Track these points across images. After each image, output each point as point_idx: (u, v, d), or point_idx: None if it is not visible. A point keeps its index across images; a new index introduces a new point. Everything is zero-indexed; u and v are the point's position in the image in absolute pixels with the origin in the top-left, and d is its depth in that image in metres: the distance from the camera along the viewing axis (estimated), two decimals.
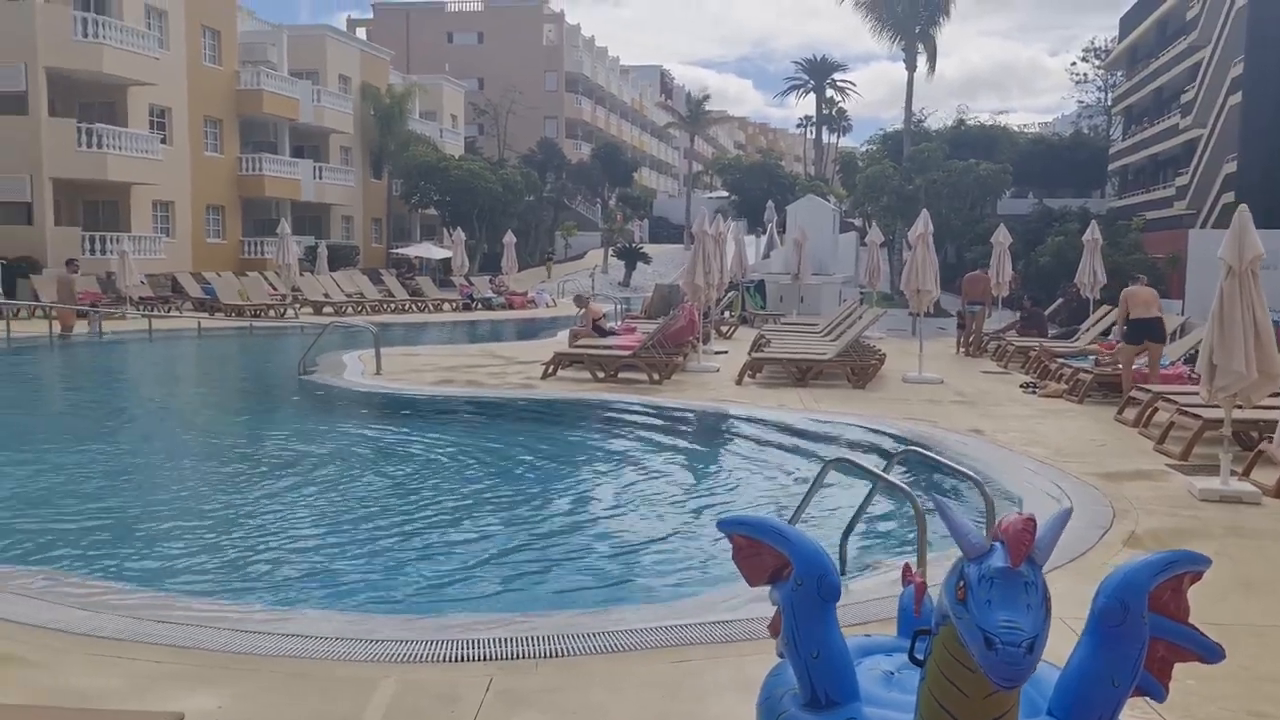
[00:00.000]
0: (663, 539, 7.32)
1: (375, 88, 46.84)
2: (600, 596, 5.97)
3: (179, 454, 10.61)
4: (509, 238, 38.04)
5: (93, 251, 30.18)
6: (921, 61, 42.26)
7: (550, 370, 15.08)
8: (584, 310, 18.75)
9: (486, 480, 9.22)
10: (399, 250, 46.96)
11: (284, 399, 14.63)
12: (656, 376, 14.49)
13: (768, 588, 3.17)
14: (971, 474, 5.71)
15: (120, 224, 32.87)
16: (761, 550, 3.02)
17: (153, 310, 25.88)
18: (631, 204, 63.98)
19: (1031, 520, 2.22)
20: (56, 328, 21.29)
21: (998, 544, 2.24)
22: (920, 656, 2.60)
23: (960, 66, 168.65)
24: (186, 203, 35.93)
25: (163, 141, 34.04)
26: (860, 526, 6.67)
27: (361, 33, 63.98)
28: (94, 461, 9.96)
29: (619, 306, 26.94)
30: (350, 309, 30.38)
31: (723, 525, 3.12)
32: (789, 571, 2.96)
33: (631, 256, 50.59)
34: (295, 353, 17.60)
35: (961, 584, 2.24)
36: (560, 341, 19.50)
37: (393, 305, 32.57)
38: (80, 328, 21.93)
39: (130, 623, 4.79)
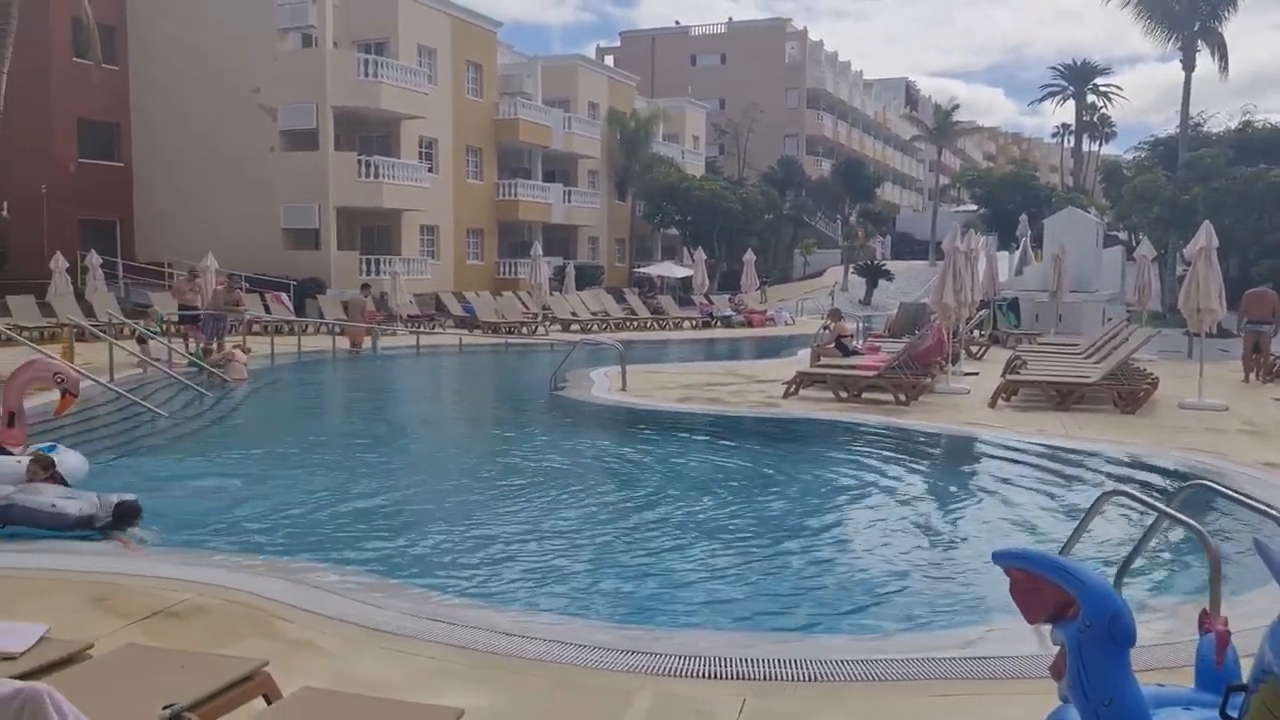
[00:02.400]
0: (916, 566, 7.07)
1: (621, 113, 48.44)
2: (852, 622, 5.84)
3: (452, 464, 11.43)
4: (748, 256, 38.22)
5: (368, 273, 32.93)
6: (1202, 60, 38.77)
7: (792, 389, 14.97)
8: (833, 325, 18.50)
9: (732, 497, 9.26)
10: (641, 269, 48.23)
11: (540, 413, 15.33)
12: (903, 398, 14.06)
13: (1046, 626, 2.99)
14: (1276, 514, 5.13)
15: (392, 247, 35.71)
16: (1042, 586, 2.85)
17: (420, 327, 27.92)
18: (873, 220, 62.55)
19: None
20: (343, 343, 23.44)
21: None
22: (1234, 714, 2.36)
23: (1245, 64, 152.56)
24: (450, 227, 38.55)
25: (430, 170, 36.74)
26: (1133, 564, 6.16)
27: (609, 60, 66.41)
28: (378, 466, 10.87)
29: (860, 325, 26.36)
30: (596, 326, 31.50)
31: (999, 558, 2.97)
32: (1075, 611, 2.78)
33: (873, 274, 49.39)
34: (546, 368, 18.44)
35: None
36: (801, 360, 19.33)
37: (635, 323, 33.47)
38: (366, 343, 24.05)
39: (411, 620, 5.17)
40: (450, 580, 6.54)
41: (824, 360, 17.22)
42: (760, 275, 39.33)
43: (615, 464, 11.17)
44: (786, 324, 35.28)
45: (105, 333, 17.58)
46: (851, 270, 52.31)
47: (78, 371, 13.29)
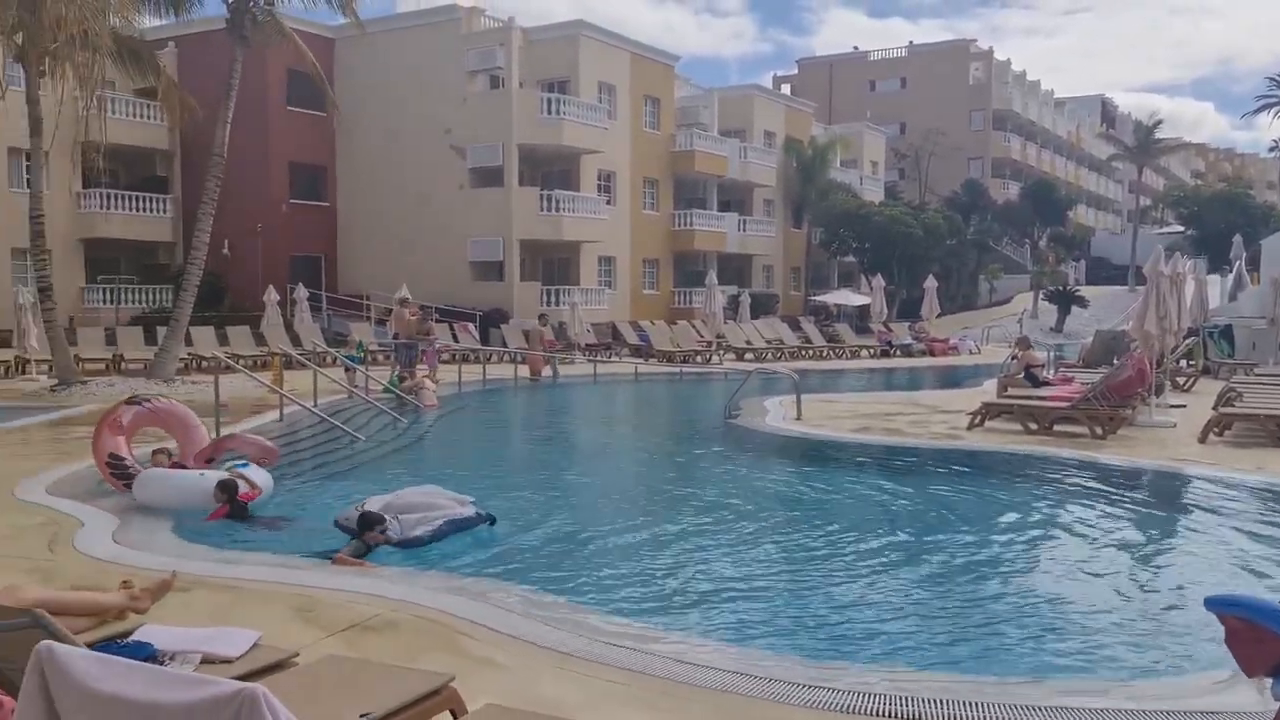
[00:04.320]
0: (1115, 611, 6.62)
1: (798, 141, 48.23)
2: (1043, 666, 5.52)
3: (629, 489, 11.63)
4: (929, 282, 37.14)
5: (548, 304, 34.00)
6: None
7: (977, 420, 14.41)
8: (1022, 354, 17.74)
9: (913, 531, 8.97)
10: (817, 297, 47.68)
11: (714, 441, 15.32)
12: (1100, 431, 13.28)
13: (1266, 679, 2.74)
14: None
15: (571, 278, 36.76)
16: (1264, 637, 2.62)
17: (596, 356, 28.54)
18: (1065, 244, 59.61)
19: None
20: (524, 371, 24.26)
21: None
22: None
23: None
24: (626, 258, 39.33)
25: (608, 203, 37.65)
26: None
27: (786, 88, 66.35)
28: (559, 490, 11.19)
29: (1051, 354, 25.08)
30: (770, 355, 31.33)
31: (1214, 605, 2.75)
32: None
33: (1065, 300, 46.92)
34: (720, 397, 18.47)
35: None
36: (986, 391, 18.61)
37: (810, 352, 33.06)
38: (546, 372, 24.81)
39: (589, 642, 5.26)
40: (629, 604, 6.61)
41: (1012, 391, 16.49)
42: (942, 302, 38.11)
43: (790, 494, 11.04)
44: (971, 353, 34.05)
45: (310, 361, 18.85)
46: (1042, 297, 49.92)
47: (298, 396, 14.30)
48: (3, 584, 5.37)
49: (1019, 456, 12.39)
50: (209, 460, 9.80)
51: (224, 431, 11.82)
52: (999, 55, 68.95)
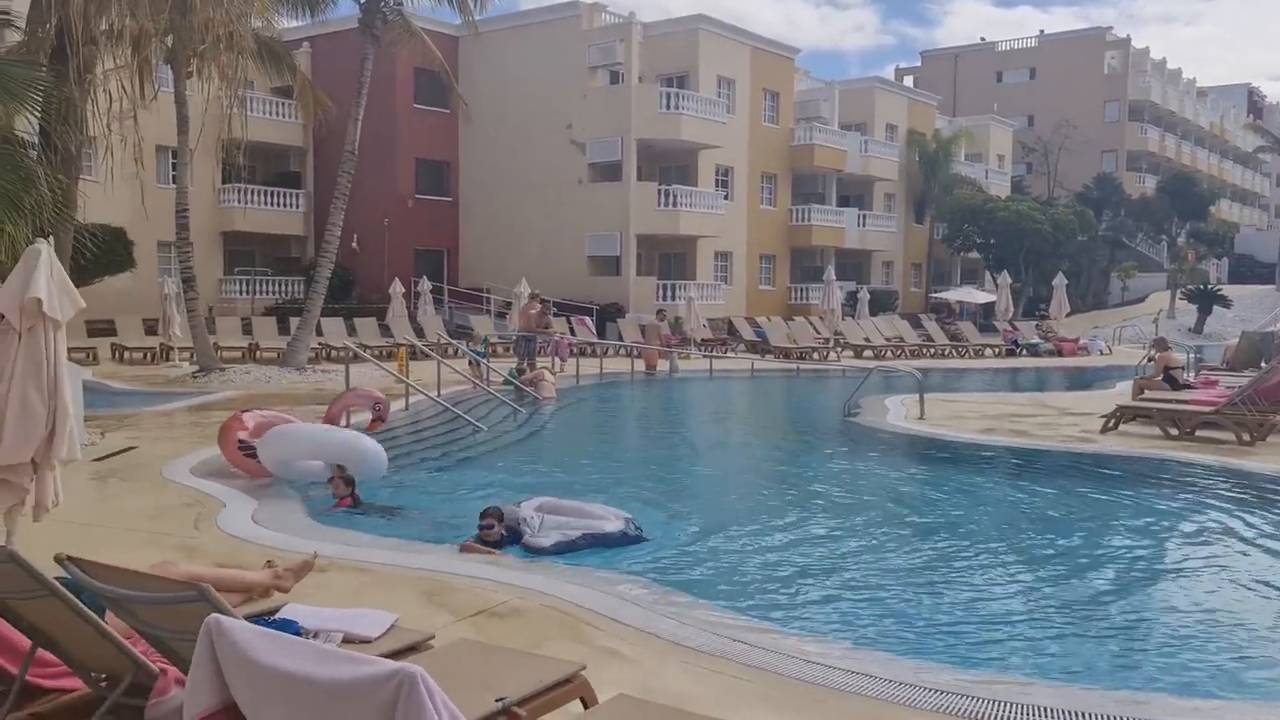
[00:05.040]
0: (1261, 627, 6.26)
1: (921, 134, 47.09)
2: (1183, 681, 5.26)
3: (749, 486, 11.62)
4: (1058, 280, 35.82)
5: (664, 298, 34.07)
6: None
7: (1111, 424, 13.83)
8: (1159, 355, 16.96)
9: (1047, 537, 8.67)
10: (939, 295, 46.48)
11: (834, 439, 15.11)
12: (1247, 437, 12.57)
13: None
14: None
15: (687, 273, 36.75)
16: None
17: (712, 351, 28.47)
18: (1206, 240, 56.58)
19: None
20: (640, 366, 24.37)
21: None
22: None
23: None
24: (743, 253, 39.09)
25: (725, 198, 37.48)
26: None
27: (909, 81, 64.81)
28: (678, 485, 11.24)
29: (1191, 356, 23.85)
30: (890, 353, 30.70)
31: None
32: None
33: (1206, 300, 44.43)
34: (838, 394, 18.19)
35: None
36: (1120, 393, 17.87)
37: (932, 350, 32.26)
38: (661, 366, 24.88)
39: (713, 638, 5.24)
40: (753, 601, 6.57)
41: (1150, 394, 15.76)
42: (1072, 301, 36.66)
43: (916, 495, 10.79)
44: (1101, 353, 32.68)
45: (433, 352, 19.33)
46: (1180, 296, 47.47)
47: (408, 380, 14.72)
48: (155, 560, 5.67)
49: (1158, 461, 11.84)
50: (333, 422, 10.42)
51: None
52: (1136, 44, 65.87)
